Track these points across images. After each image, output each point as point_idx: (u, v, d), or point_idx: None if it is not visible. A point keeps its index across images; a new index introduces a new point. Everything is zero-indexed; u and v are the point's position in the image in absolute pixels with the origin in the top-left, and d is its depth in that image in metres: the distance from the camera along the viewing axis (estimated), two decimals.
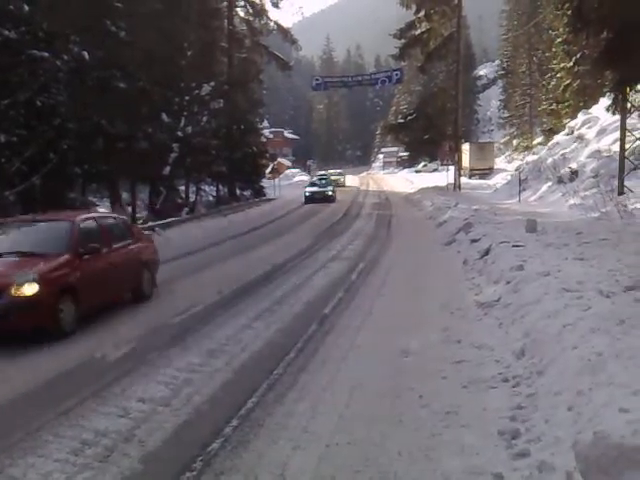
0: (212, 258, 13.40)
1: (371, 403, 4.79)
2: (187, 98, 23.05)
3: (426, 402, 4.71)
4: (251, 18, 32.86)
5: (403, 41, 35.28)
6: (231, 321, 7.47)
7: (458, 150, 34.18)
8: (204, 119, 24.40)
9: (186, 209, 23.15)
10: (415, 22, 34.44)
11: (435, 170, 52.00)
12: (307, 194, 31.83)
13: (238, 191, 30.85)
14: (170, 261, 12.97)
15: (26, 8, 13.88)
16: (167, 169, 20.77)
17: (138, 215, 19.84)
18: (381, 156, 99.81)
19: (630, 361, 4.15)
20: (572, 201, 18.58)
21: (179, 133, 21.86)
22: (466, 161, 44.49)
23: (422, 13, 33.85)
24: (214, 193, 28.09)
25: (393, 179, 60.97)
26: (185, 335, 6.86)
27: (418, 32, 34.44)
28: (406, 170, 72.07)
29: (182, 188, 24.61)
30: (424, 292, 8.92)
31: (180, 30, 21.03)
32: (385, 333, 6.72)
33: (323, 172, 49.32)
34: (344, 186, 32.72)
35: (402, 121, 41.84)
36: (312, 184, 35.06)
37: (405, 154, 64.82)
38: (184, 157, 21.79)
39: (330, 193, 32.34)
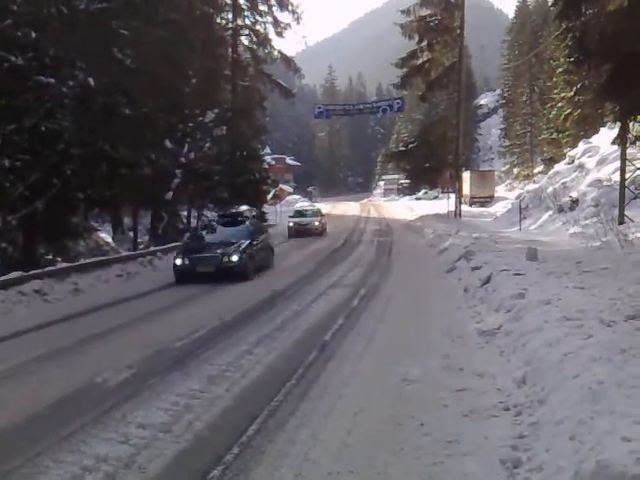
0: (213, 285, 13.38)
1: (372, 430, 4.76)
2: (191, 125, 23.26)
3: (427, 430, 4.69)
4: (255, 47, 33.29)
5: (405, 70, 35.75)
6: (232, 347, 7.44)
7: (459, 178, 34.37)
8: (207, 145, 24.58)
9: (187, 234, 23.20)
10: (417, 52, 34.96)
11: (436, 198, 52.28)
12: (291, 224, 27.92)
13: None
14: (171, 286, 13.03)
15: (33, 35, 14.09)
16: (169, 194, 20.89)
17: (140, 240, 19.88)
18: (382, 183, 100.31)
19: (632, 390, 4.15)
20: (573, 230, 18.62)
21: (182, 159, 22.03)
22: (467, 189, 44.75)
23: (424, 43, 34.38)
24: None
25: (394, 206, 61.14)
26: (186, 360, 6.85)
27: (420, 61, 34.92)
28: (407, 197, 72.41)
29: (184, 213, 24.70)
30: (425, 319, 8.91)
31: (185, 58, 21.30)
32: (386, 360, 6.70)
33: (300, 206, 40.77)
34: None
35: (403, 149, 42.20)
36: (297, 213, 30.40)
37: (406, 181, 65.20)
38: (187, 183, 21.93)
39: (317, 224, 27.91)
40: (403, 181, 72.51)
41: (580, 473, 3.34)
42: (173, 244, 19.23)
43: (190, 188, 22.58)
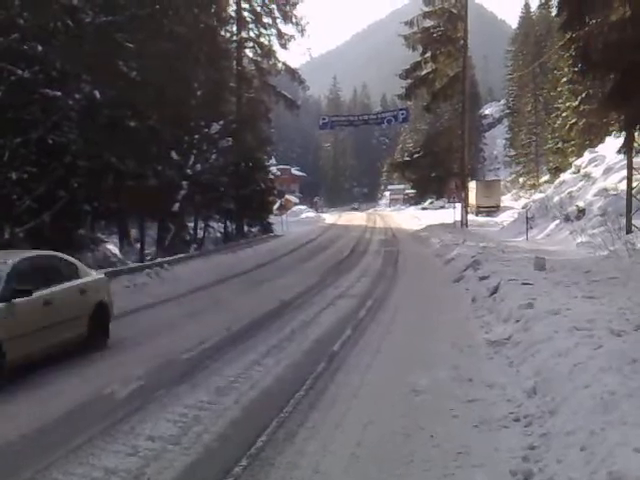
0: (221, 294, 13.39)
1: (382, 442, 4.73)
2: (196, 136, 23.35)
3: (437, 442, 4.66)
4: (259, 59, 33.46)
5: (409, 81, 35.85)
6: (240, 357, 7.43)
7: (465, 187, 34.35)
8: (213, 157, 24.66)
9: (194, 245, 23.24)
10: (421, 63, 35.07)
11: (442, 207, 52.21)
12: None
13: (246, 227, 30.99)
14: (179, 297, 13.04)
15: (40, 48, 14.20)
16: (176, 206, 20.94)
17: (147, 251, 19.92)
18: (387, 193, 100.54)
19: None
20: (580, 239, 18.58)
21: (188, 171, 22.10)
22: (473, 198, 44.70)
23: (428, 54, 34.49)
24: (222, 230, 28.21)
25: (400, 216, 61.18)
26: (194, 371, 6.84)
27: (424, 72, 35.01)
28: (413, 207, 72.44)
29: (191, 224, 24.74)
30: (433, 329, 8.89)
31: (190, 70, 21.41)
32: (395, 371, 6.68)
33: None
34: None
35: (408, 159, 42.29)
36: None
37: (412, 191, 65.16)
38: (193, 194, 21.98)
39: None
40: (409, 191, 72.55)
41: None
42: (180, 255, 19.26)
43: (196, 199, 22.64)
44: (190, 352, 7.80)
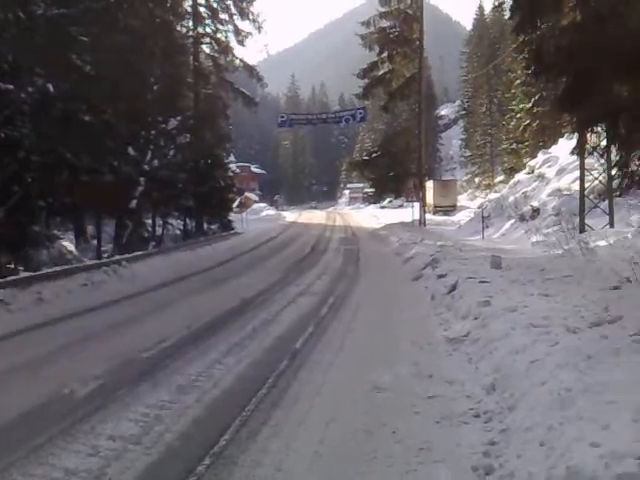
0: (181, 292, 13.23)
1: (345, 439, 4.76)
2: (153, 132, 22.97)
3: (400, 438, 4.72)
4: (217, 55, 33.17)
5: (366, 81, 36.07)
6: (202, 356, 7.37)
7: (422, 187, 34.78)
8: (171, 153, 24.31)
9: (153, 243, 22.88)
10: (378, 63, 35.31)
11: (400, 206, 52.75)
12: None
13: (205, 225, 30.70)
14: (138, 295, 12.85)
15: None
16: (133, 202, 20.56)
17: (104, 248, 19.51)
18: (347, 192, 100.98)
19: (598, 396, 4.23)
20: (535, 238, 19.00)
21: (145, 167, 21.72)
22: (430, 198, 45.31)
23: (385, 54, 34.75)
24: (181, 227, 27.88)
25: (359, 214, 61.51)
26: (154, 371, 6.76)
27: (381, 72, 35.27)
28: (372, 206, 72.88)
29: (149, 221, 24.34)
30: (394, 327, 8.98)
31: (146, 65, 21.11)
32: (357, 368, 6.73)
33: None
34: None
35: (367, 158, 42.50)
36: None
37: (371, 190, 65.64)
38: (151, 191, 21.64)
39: None
40: (368, 190, 73.02)
41: (551, 479, 3.40)
42: (139, 252, 18.96)
43: (154, 196, 22.28)
44: (150, 351, 7.68)
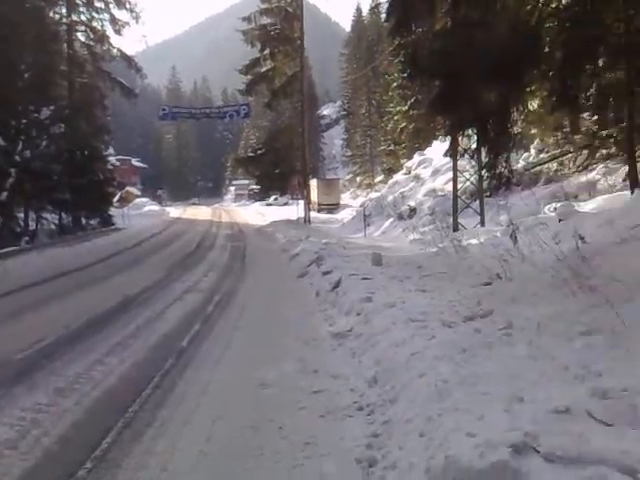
0: (58, 290, 12.54)
1: (232, 437, 4.78)
2: (24, 121, 21.66)
3: (286, 433, 4.80)
4: (92, 43, 31.77)
5: (249, 77, 35.97)
6: (81, 356, 7.07)
7: (306, 185, 35.23)
8: (44, 143, 23.00)
9: (26, 238, 21.50)
10: (260, 59, 35.32)
11: (286, 204, 53.16)
12: None
13: (84, 220, 29.26)
14: (11, 293, 12.04)
15: None
16: (4, 195, 19.27)
17: None
18: (232, 188, 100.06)
19: (473, 388, 4.48)
20: (412, 236, 19.85)
21: (17, 157, 20.43)
22: (314, 196, 45.97)
23: (267, 51, 34.83)
24: (56, 221, 26.38)
25: (245, 211, 61.12)
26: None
27: (264, 69, 35.26)
28: (258, 203, 72.76)
29: (21, 215, 22.83)
30: (280, 324, 9.06)
31: (16, 52, 19.92)
32: (244, 365, 6.74)
33: None
34: None
35: (252, 155, 42.54)
36: None
37: (256, 187, 65.58)
38: (22, 182, 20.35)
39: None
40: (254, 187, 72.86)
41: (431, 469, 3.53)
42: (10, 248, 17.79)
43: (26, 188, 20.97)
44: (25, 351, 7.26)
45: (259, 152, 40.21)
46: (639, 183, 14.07)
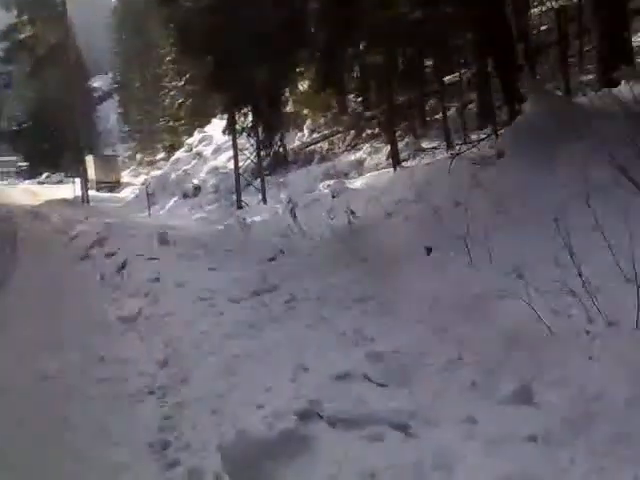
0: None
1: (12, 432, 4.48)
2: None
3: (74, 424, 4.62)
4: None
5: (7, 44, 32.73)
6: None
7: (82, 162, 33.15)
8: None
9: None
10: (18, 25, 32.27)
11: (60, 182, 49.29)
12: None
13: None
14: None
15: None
16: None
17: None
18: None
19: (262, 360, 4.74)
20: (198, 215, 19.82)
21: None
22: (92, 174, 43.33)
23: (25, 17, 31.92)
24: None
25: (14, 191, 55.09)
26: None
27: (23, 36, 32.30)
28: (28, 181, 66.35)
29: None
30: (62, 310, 8.50)
31: None
32: (22, 357, 6.26)
33: None
34: None
35: (17, 129, 38.80)
36: None
37: (25, 164, 59.75)
38: None
39: None
40: (22, 164, 66.20)
41: (223, 445, 3.60)
42: None
43: None
44: None
45: (24, 126, 36.76)
46: (399, 161, 15.62)
